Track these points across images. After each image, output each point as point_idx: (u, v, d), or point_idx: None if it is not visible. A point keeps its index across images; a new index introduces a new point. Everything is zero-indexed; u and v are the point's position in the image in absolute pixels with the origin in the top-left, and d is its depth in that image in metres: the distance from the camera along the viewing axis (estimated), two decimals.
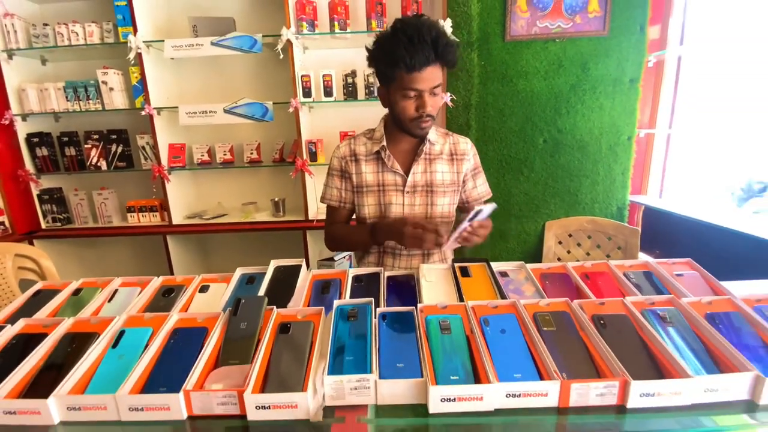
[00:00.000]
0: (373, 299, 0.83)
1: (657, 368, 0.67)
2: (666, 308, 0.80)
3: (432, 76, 1.02)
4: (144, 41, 2.03)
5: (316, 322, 0.79)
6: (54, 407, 0.63)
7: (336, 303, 0.83)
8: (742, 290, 0.86)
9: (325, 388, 0.64)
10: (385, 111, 1.17)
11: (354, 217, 1.29)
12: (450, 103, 2.02)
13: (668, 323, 0.76)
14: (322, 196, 1.27)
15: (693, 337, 0.73)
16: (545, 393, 0.63)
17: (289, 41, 1.99)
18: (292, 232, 2.24)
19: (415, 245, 1.02)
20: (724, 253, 1.61)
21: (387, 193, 1.19)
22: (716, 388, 0.64)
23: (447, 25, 1.92)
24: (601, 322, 0.76)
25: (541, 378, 0.65)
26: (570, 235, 2.11)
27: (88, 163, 2.28)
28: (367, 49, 1.07)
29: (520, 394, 0.63)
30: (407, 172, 1.18)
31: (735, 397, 0.64)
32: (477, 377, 0.66)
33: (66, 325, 0.81)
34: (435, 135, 1.20)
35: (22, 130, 2.18)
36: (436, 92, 1.05)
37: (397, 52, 0.98)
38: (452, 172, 1.20)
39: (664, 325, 0.76)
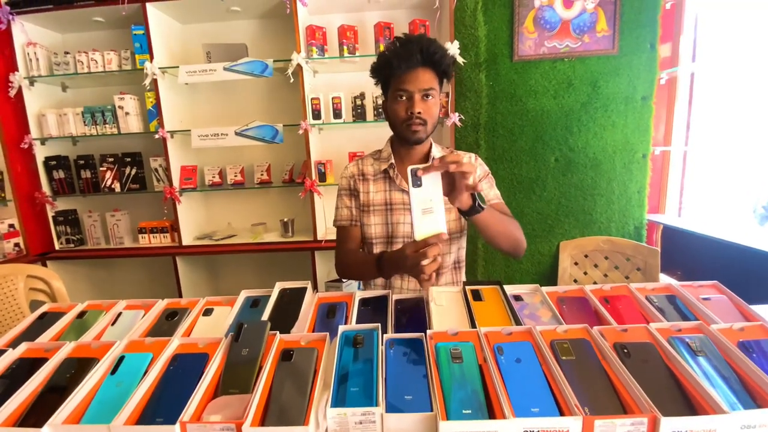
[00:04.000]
0: (380, 324, 0.79)
1: (688, 403, 0.61)
2: (695, 335, 0.74)
3: (421, 77, 1.04)
4: (159, 67, 2.09)
5: (320, 348, 0.75)
6: None
7: (341, 329, 0.79)
8: None
9: (327, 421, 0.60)
10: (392, 132, 1.17)
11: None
12: (458, 123, 2.02)
13: (698, 352, 0.71)
14: (334, 219, 1.26)
15: (726, 368, 0.68)
16: (566, 430, 0.58)
17: (299, 65, 2.03)
18: (300, 252, 2.22)
19: (417, 271, 0.83)
20: (751, 275, 1.53)
21: (395, 213, 1.17)
22: (754, 424, 0.58)
23: (454, 47, 1.93)
24: (625, 350, 0.71)
25: (561, 413, 0.60)
26: (586, 256, 2.04)
27: (103, 186, 2.32)
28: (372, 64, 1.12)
29: (538, 431, 0.58)
30: None
31: None
32: (491, 411, 0.61)
33: (67, 349, 0.80)
34: (439, 153, 1.20)
35: (40, 153, 2.24)
36: (429, 95, 1.06)
37: (387, 56, 1.05)
38: None
39: (694, 355, 0.70)
